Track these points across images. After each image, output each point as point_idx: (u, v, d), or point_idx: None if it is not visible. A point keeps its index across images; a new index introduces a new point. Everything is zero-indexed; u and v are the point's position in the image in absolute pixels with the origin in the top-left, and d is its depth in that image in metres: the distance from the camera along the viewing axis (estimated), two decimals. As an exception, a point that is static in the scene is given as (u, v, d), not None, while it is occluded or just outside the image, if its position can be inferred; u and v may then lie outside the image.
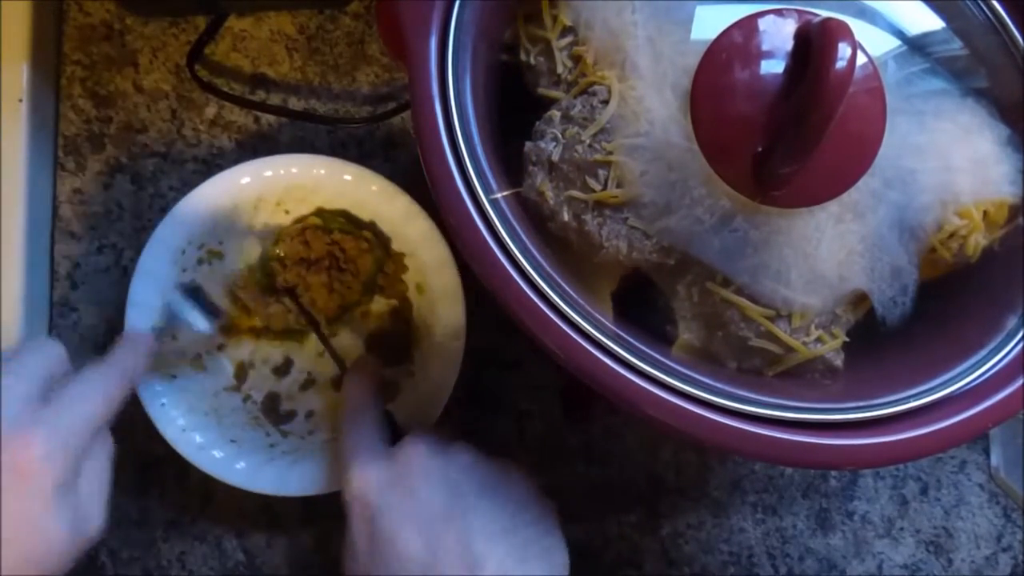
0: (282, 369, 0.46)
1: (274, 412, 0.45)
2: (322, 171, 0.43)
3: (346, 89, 0.49)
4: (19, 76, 0.45)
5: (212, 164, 0.48)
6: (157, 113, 0.48)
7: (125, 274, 0.47)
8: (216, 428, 0.42)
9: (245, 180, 0.42)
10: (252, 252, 0.45)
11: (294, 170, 0.43)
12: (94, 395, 0.33)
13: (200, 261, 0.44)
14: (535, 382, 0.47)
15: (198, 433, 0.41)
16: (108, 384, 0.34)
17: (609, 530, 0.47)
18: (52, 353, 0.34)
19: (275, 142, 0.48)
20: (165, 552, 0.46)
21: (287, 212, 0.45)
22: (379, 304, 0.46)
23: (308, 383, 0.46)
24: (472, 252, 0.29)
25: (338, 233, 0.45)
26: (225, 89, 0.48)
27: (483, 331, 0.42)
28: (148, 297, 0.42)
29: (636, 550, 0.47)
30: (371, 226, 0.44)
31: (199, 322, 0.43)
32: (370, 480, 0.35)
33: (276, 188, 0.43)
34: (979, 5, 0.35)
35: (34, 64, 0.45)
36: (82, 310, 0.47)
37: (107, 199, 0.48)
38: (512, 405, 0.47)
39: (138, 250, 0.47)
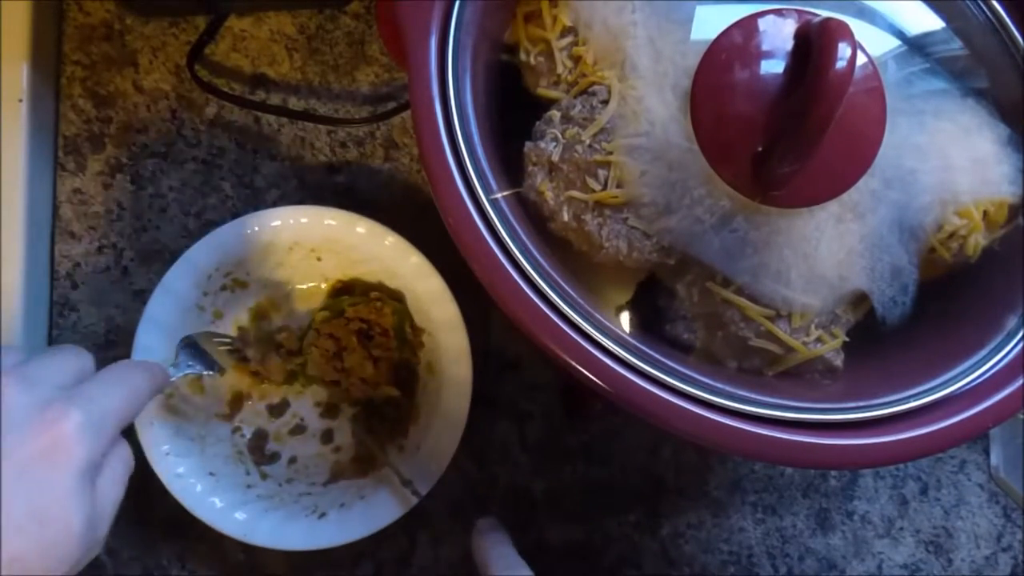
0: (277, 409, 0.46)
1: (259, 451, 0.45)
2: (362, 230, 0.43)
3: (346, 89, 0.49)
4: (19, 76, 0.45)
5: (212, 164, 0.48)
6: (157, 113, 0.48)
7: (125, 274, 0.47)
8: (199, 457, 0.42)
9: (282, 222, 0.43)
10: (277, 289, 0.45)
11: (334, 223, 0.43)
12: (123, 386, 0.33)
13: (224, 287, 0.44)
14: (535, 382, 0.47)
15: (181, 460, 0.41)
16: (135, 378, 0.34)
17: (609, 530, 0.47)
18: (84, 356, 0.33)
19: (275, 142, 0.48)
20: (165, 552, 0.46)
21: (319, 259, 0.45)
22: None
23: (298, 429, 0.46)
24: (472, 252, 0.29)
25: (361, 307, 0.44)
26: (225, 89, 0.48)
27: (483, 331, 0.42)
28: (164, 313, 0.42)
29: (636, 550, 0.47)
30: (400, 297, 0.44)
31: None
32: None
33: (313, 236, 0.43)
34: (979, 5, 0.35)
35: (34, 64, 0.45)
36: (82, 310, 0.47)
37: (107, 199, 0.48)
38: (512, 405, 0.47)
39: (138, 250, 0.47)
